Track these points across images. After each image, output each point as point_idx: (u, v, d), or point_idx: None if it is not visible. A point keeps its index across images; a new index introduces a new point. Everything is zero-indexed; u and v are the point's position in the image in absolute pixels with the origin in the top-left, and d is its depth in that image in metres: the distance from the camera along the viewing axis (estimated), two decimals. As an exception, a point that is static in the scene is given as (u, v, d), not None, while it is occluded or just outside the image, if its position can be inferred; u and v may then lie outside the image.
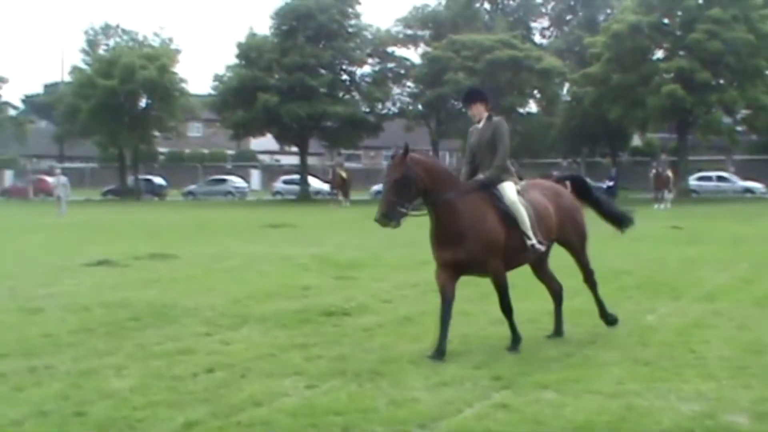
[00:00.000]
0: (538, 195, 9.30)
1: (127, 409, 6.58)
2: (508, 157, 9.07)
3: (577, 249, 9.79)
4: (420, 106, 61.98)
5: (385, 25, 77.01)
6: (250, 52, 58.95)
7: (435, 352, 8.37)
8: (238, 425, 6.31)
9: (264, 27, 62.69)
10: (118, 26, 78.98)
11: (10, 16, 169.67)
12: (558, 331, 9.57)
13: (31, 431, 6.27)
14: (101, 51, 72.93)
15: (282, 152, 79.38)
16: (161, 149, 75.40)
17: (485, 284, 11.77)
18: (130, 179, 67.54)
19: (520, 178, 9.45)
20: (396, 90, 64.58)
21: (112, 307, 11.29)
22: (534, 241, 8.82)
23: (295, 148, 65.55)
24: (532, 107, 66.24)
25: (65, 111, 65.48)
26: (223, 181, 67.53)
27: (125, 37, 77.41)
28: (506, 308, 8.88)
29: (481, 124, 9.14)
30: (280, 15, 60.10)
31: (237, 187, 66.30)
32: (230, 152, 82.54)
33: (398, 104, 64.28)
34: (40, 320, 10.44)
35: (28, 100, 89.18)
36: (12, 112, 73.09)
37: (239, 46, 60.19)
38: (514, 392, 7.09)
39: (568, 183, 10.26)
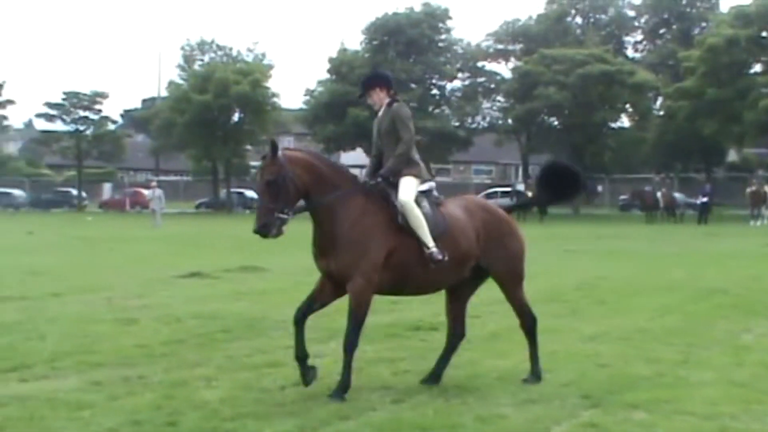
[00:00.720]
0: (456, 209, 7.92)
1: (217, 420, 6.66)
2: (412, 147, 7.87)
3: (506, 282, 8.07)
4: (510, 121, 61.73)
5: (475, 39, 77.09)
6: (341, 66, 59.63)
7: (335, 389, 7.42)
8: (325, 438, 6.35)
9: (355, 42, 63.38)
10: (213, 42, 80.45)
11: (111, 34, 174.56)
12: (434, 376, 7.97)
13: (125, 440, 6.41)
14: (197, 66, 74.27)
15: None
16: (253, 163, 76.44)
17: (574, 300, 11.62)
18: (222, 192, 68.66)
19: (432, 176, 8.27)
20: (486, 104, 64.61)
21: (203, 319, 11.45)
22: (432, 248, 7.41)
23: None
24: (624, 122, 65.54)
25: (161, 125, 66.96)
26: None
27: (220, 53, 78.79)
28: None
29: (381, 112, 7.91)
30: (371, 30, 60.70)
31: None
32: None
33: (488, 118, 64.24)
34: (134, 331, 10.63)
35: (126, 114, 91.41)
36: (111, 127, 74.85)
37: (331, 61, 60.98)
38: (604, 411, 6.97)
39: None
